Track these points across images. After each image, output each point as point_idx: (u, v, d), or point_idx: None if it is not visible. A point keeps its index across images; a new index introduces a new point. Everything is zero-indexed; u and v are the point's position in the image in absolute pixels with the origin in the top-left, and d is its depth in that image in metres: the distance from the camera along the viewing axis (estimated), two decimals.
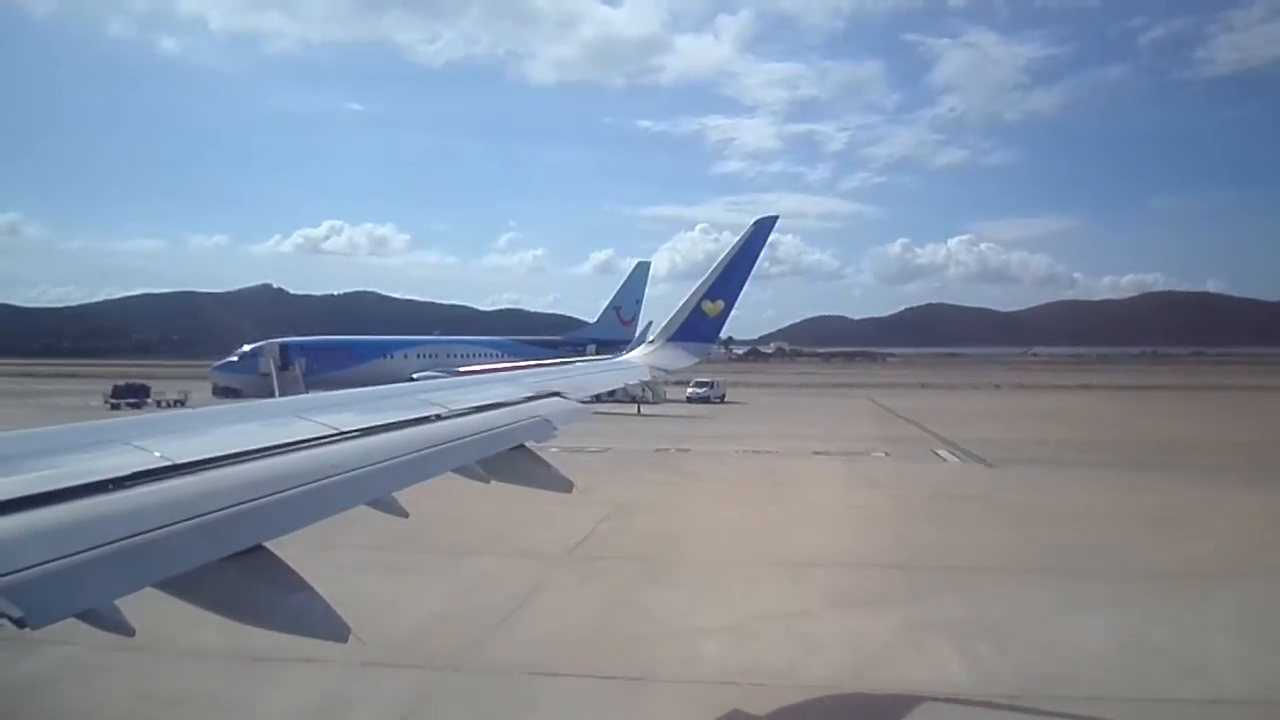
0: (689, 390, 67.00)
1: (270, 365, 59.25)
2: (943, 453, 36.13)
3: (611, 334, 75.01)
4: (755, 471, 31.16)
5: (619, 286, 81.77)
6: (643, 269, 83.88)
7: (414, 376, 55.15)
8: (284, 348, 63.19)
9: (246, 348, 63.31)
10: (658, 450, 36.80)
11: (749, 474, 30.66)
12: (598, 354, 71.00)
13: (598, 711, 10.49)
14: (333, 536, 13.57)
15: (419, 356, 65.55)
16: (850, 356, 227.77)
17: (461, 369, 58.63)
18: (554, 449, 29.15)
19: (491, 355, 68.60)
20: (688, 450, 36.99)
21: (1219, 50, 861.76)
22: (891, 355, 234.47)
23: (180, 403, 55.39)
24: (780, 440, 40.07)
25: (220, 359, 64.44)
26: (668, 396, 65.14)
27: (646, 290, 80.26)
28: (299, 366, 60.43)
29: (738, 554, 18.16)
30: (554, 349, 72.31)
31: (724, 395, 69.55)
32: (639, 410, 57.04)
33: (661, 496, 25.42)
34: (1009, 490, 26.45)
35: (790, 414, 58.05)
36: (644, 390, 66.35)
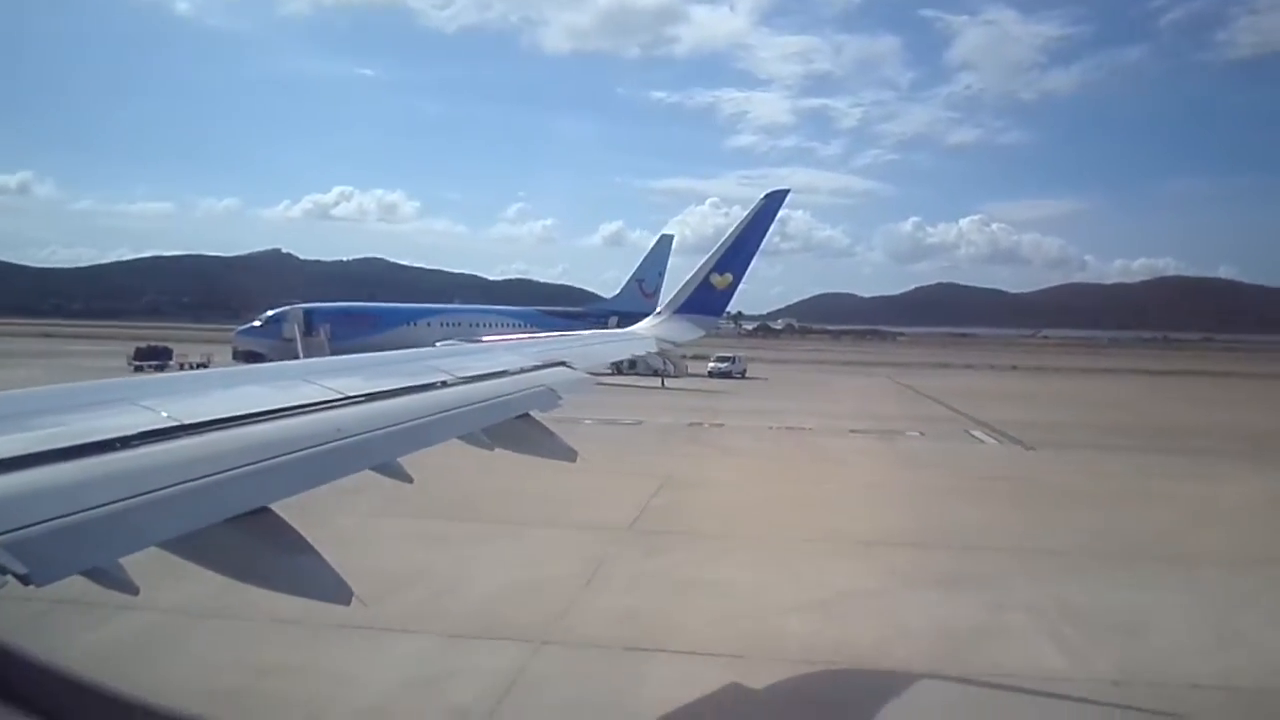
0: (710, 365, 66.88)
1: (295, 330, 59.66)
2: (978, 434, 36.04)
3: (634, 306, 75.29)
4: (796, 448, 31.19)
5: (642, 259, 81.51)
6: (665, 241, 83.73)
7: (437, 344, 56.42)
8: (308, 313, 63.58)
9: (270, 313, 63.68)
10: (691, 425, 36.89)
11: (790, 450, 30.67)
12: (620, 326, 71.24)
13: (699, 687, 10.41)
14: (397, 506, 14.15)
15: (443, 325, 65.20)
16: (861, 335, 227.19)
17: (485, 338, 59.60)
18: (587, 420, 30.59)
19: (515, 325, 68.84)
20: (721, 425, 36.89)
21: (1240, 33, 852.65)
22: (901, 334, 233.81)
23: (203, 366, 55.88)
24: (811, 417, 39.95)
25: (235, 323, 65.07)
26: (689, 370, 65.13)
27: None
28: (324, 332, 60.73)
29: (801, 530, 18.12)
30: (577, 320, 72.64)
31: (745, 370, 69.32)
32: (663, 384, 57.20)
33: (707, 471, 25.42)
34: (1056, 473, 26.31)
35: (814, 391, 57.87)
36: (665, 363, 66.93)
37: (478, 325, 66.73)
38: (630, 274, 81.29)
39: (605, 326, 70.43)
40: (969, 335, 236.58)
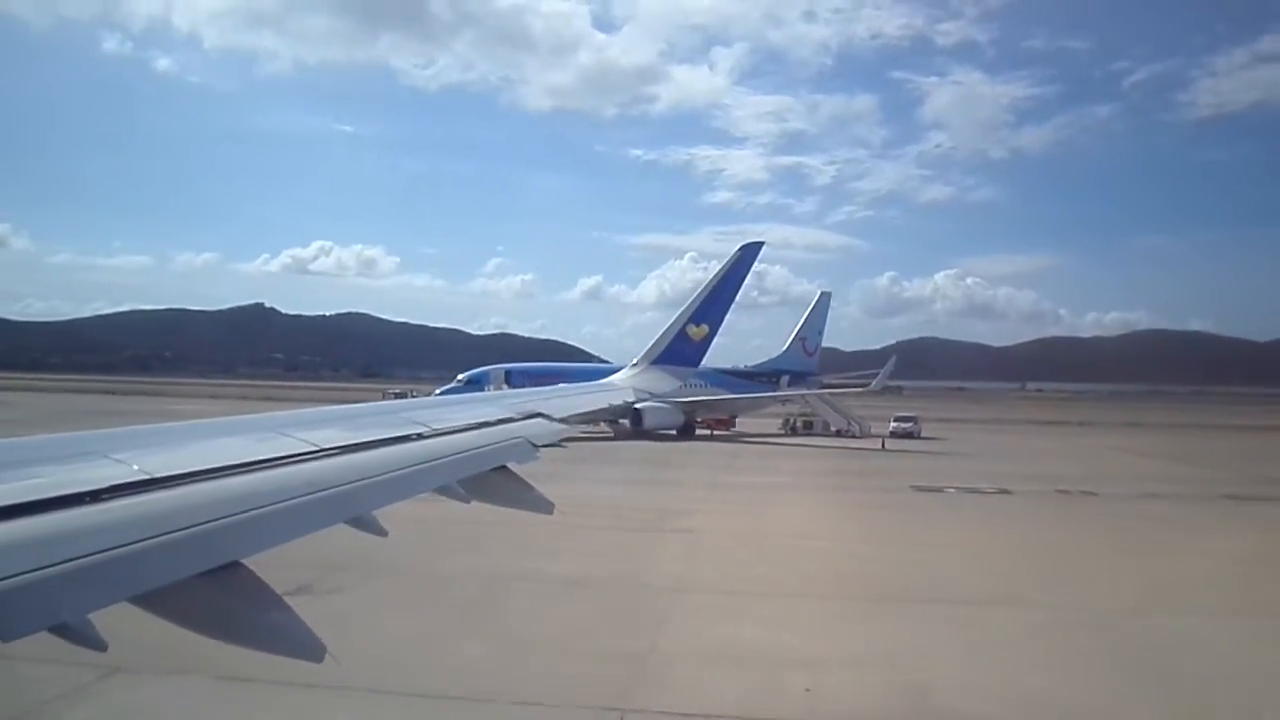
0: (892, 425, 65.29)
1: (501, 390, 59.79)
2: None
3: (798, 365, 77.64)
4: (1243, 521, 29.09)
5: (803, 318, 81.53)
6: (825, 299, 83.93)
7: (635, 406, 58.71)
8: (509, 373, 63.58)
9: (465, 374, 63.84)
10: (1059, 491, 34.82)
11: (1241, 525, 28.51)
12: (791, 385, 74.88)
13: None
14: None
15: None
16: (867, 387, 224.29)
17: (675, 398, 62.29)
18: (951, 489, 34.15)
19: (695, 385, 69.66)
20: (1093, 494, 34.67)
21: (1200, 94, 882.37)
22: (903, 388, 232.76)
23: None
24: (1138, 482, 38.49)
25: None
26: (872, 430, 65.34)
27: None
28: None
29: None
30: (749, 379, 74.93)
31: (920, 431, 67.22)
32: (883, 445, 56.73)
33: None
34: None
35: (1047, 456, 54.89)
36: (849, 423, 67.92)
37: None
38: (794, 333, 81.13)
39: (777, 385, 73.78)
40: (963, 389, 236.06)
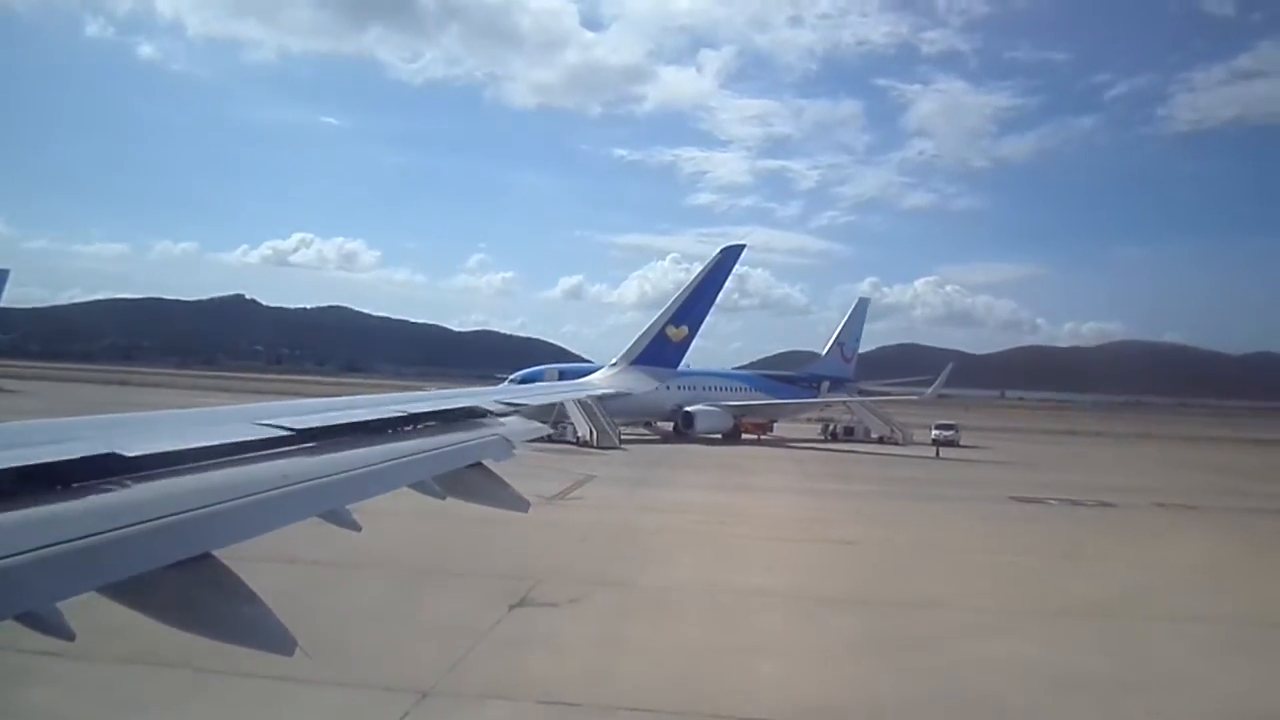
0: (934, 433, 64.20)
1: None
2: None
3: (837, 370, 79.35)
4: None
5: (841, 323, 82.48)
6: (863, 304, 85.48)
7: (687, 409, 63.69)
8: (561, 374, 63.60)
9: (519, 373, 64.16)
10: (1156, 504, 34.55)
11: None
12: (831, 390, 76.47)
13: None
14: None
15: (679, 388, 64.66)
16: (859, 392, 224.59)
17: (724, 402, 65.58)
18: (1051, 500, 33.13)
19: (742, 389, 71.20)
20: (1193, 507, 34.52)
21: (1179, 109, 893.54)
22: (890, 394, 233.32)
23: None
24: (1213, 495, 38.10)
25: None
26: (914, 438, 66.06)
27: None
28: None
29: None
30: (791, 384, 77.06)
31: (960, 439, 66.66)
32: (937, 454, 56.52)
33: None
34: None
35: (1068, 463, 55.00)
36: (892, 430, 68.59)
37: (710, 389, 68.14)
38: (833, 338, 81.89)
39: (818, 390, 75.84)
40: (944, 396, 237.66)
